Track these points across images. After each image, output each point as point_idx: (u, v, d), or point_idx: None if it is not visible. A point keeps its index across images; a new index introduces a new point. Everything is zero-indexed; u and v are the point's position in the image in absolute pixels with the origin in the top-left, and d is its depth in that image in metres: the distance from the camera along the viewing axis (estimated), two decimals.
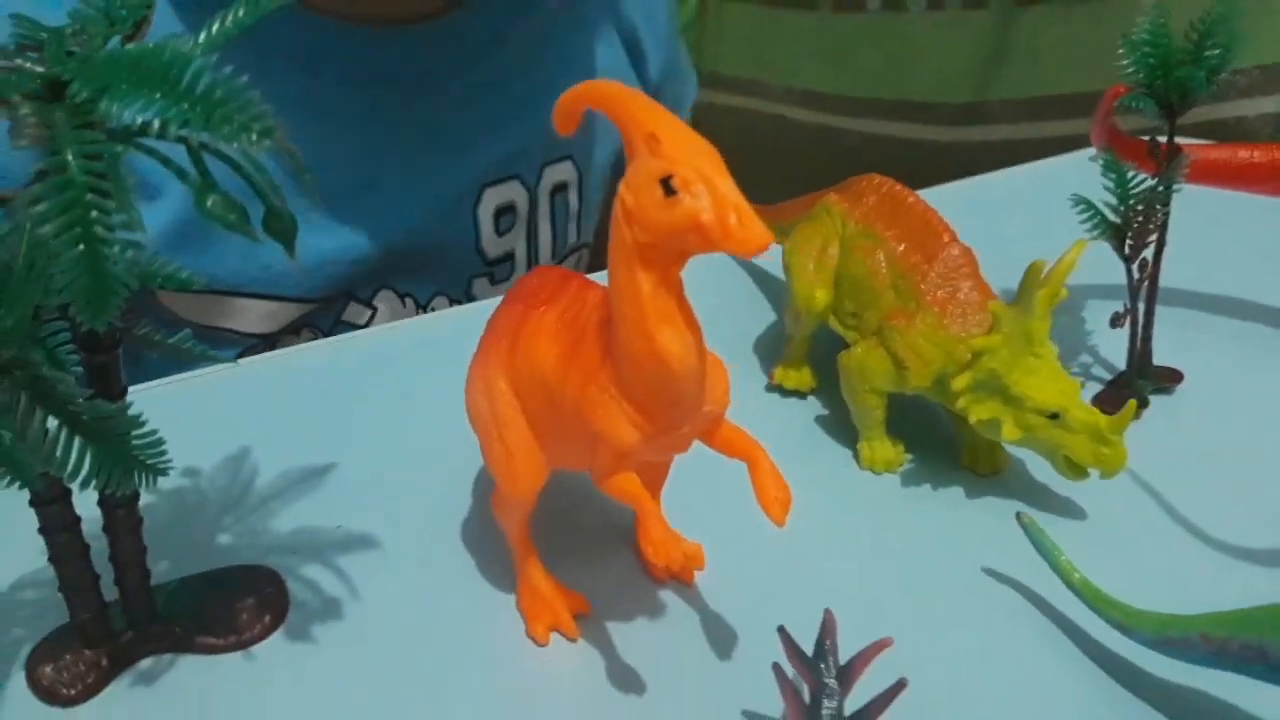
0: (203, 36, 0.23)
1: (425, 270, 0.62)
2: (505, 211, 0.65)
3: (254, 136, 0.20)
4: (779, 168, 1.06)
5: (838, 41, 0.99)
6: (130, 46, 0.22)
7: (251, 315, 0.58)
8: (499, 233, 0.65)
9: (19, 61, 0.22)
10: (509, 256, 0.67)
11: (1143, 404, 0.45)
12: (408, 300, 0.63)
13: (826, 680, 0.29)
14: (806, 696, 0.29)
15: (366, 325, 0.62)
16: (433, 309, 0.64)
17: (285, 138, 0.21)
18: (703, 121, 1.16)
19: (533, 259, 0.68)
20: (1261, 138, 0.72)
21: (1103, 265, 0.44)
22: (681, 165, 0.25)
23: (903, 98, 0.95)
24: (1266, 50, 0.72)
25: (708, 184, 0.24)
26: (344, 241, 0.59)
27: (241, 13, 0.23)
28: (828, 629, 0.30)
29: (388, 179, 0.60)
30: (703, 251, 0.25)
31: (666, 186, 0.25)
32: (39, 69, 0.22)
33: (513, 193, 0.65)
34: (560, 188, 0.68)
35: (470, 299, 0.66)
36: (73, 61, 0.22)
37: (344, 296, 0.60)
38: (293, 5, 0.54)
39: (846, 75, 0.99)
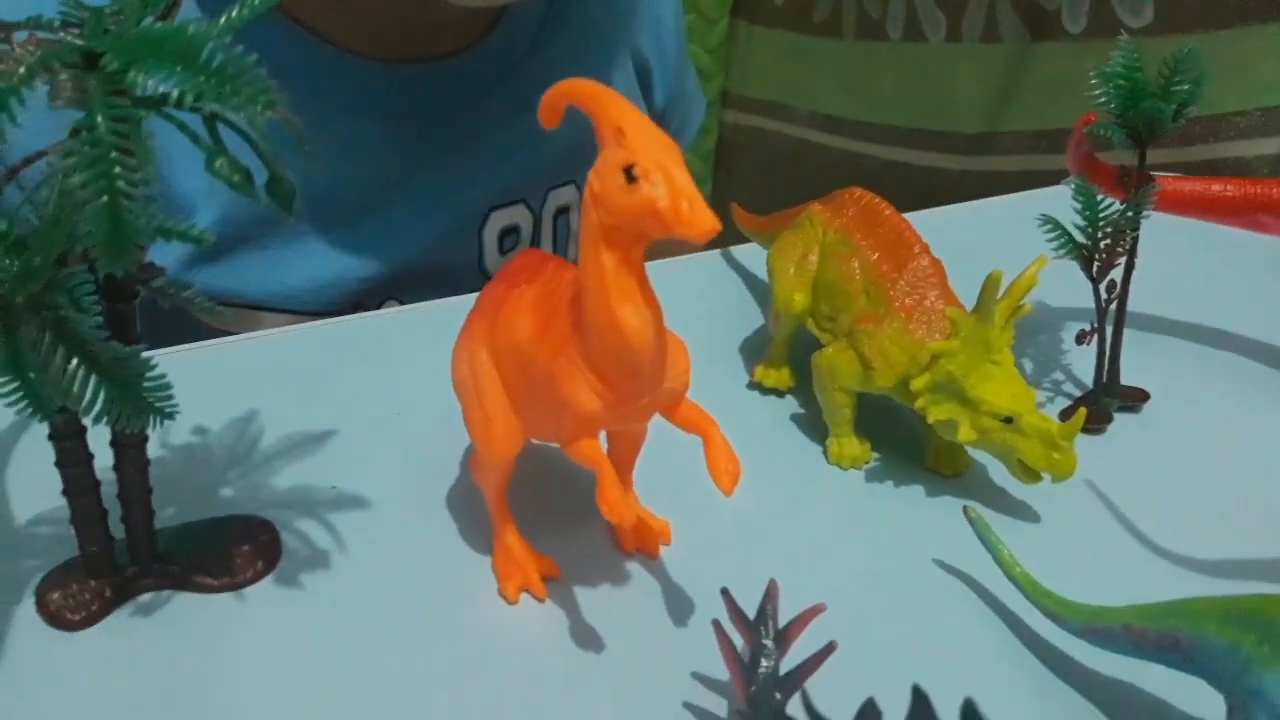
0: (223, 20, 0.26)
1: (430, 285, 0.65)
2: (509, 233, 0.68)
3: (259, 107, 0.23)
4: (801, 188, 1.08)
5: (860, 69, 1.02)
6: (157, 25, 0.25)
7: (268, 327, 0.61)
8: (502, 252, 0.69)
9: (62, 35, 0.25)
10: None
11: (1107, 420, 0.47)
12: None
13: (764, 641, 0.31)
14: (746, 656, 0.31)
15: None
16: None
17: (286, 110, 0.23)
18: (730, 142, 1.19)
19: None
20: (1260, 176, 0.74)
21: (1081, 285, 0.46)
22: (643, 156, 0.27)
23: (920, 125, 0.97)
24: (1268, 93, 0.74)
25: (665, 174, 0.27)
26: (356, 260, 0.62)
27: (257, 1, 0.26)
28: (770, 595, 0.32)
29: (399, 204, 0.63)
30: (659, 235, 0.28)
31: (629, 174, 0.27)
32: (78, 43, 0.25)
33: (517, 215, 0.68)
34: (563, 210, 0.71)
35: None
36: (108, 37, 0.25)
37: (353, 308, 0.64)
38: (316, 43, 0.56)
39: (867, 102, 1.02)
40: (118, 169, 0.24)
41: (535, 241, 0.70)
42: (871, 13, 0.98)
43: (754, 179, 1.16)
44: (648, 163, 0.27)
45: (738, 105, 1.16)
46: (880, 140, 1.01)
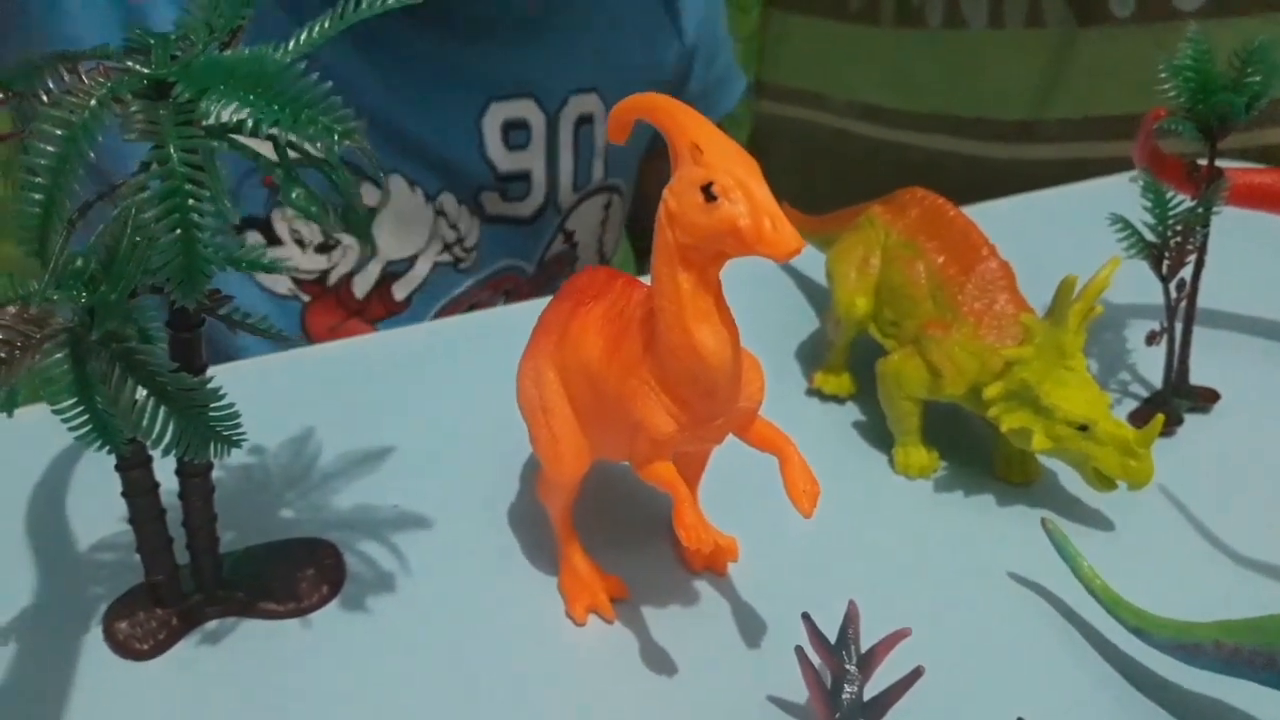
0: (292, 44, 0.25)
1: (432, 165, 0.65)
2: (516, 127, 0.67)
3: (336, 136, 0.22)
4: (839, 180, 1.07)
5: (899, 56, 1.00)
6: (228, 53, 0.25)
7: None
8: (509, 147, 0.67)
9: (128, 63, 0.25)
10: (524, 175, 0.69)
11: (1178, 421, 0.46)
12: (417, 189, 0.66)
13: (848, 667, 0.30)
14: (828, 681, 0.31)
15: (378, 208, 0.64)
16: (440, 204, 0.67)
17: (365, 139, 0.23)
18: (764, 133, 1.18)
19: (553, 186, 0.70)
20: None
21: (1146, 283, 0.45)
22: (721, 173, 0.26)
23: (962, 114, 0.95)
24: None
25: (745, 191, 0.26)
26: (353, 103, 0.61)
27: (327, 24, 0.25)
28: (851, 619, 0.31)
29: (390, 79, 0.62)
30: (739, 254, 0.27)
31: (707, 193, 0.26)
32: (145, 70, 0.25)
33: (525, 110, 0.67)
34: (586, 119, 0.70)
35: (479, 208, 0.68)
36: (176, 65, 0.24)
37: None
38: None
39: (907, 90, 1.00)
40: (191, 201, 0.23)
41: (551, 145, 0.69)
42: None
43: (790, 170, 1.14)
44: (727, 180, 0.26)
45: (772, 95, 1.15)
46: (921, 129, 0.99)
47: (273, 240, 0.64)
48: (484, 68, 0.65)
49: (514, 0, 0.66)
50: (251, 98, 0.23)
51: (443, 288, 0.70)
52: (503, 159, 0.68)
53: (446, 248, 0.68)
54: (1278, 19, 0.70)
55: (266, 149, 0.26)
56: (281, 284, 0.66)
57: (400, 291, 0.69)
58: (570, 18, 0.68)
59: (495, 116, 0.67)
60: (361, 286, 0.67)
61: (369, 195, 0.63)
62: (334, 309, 0.67)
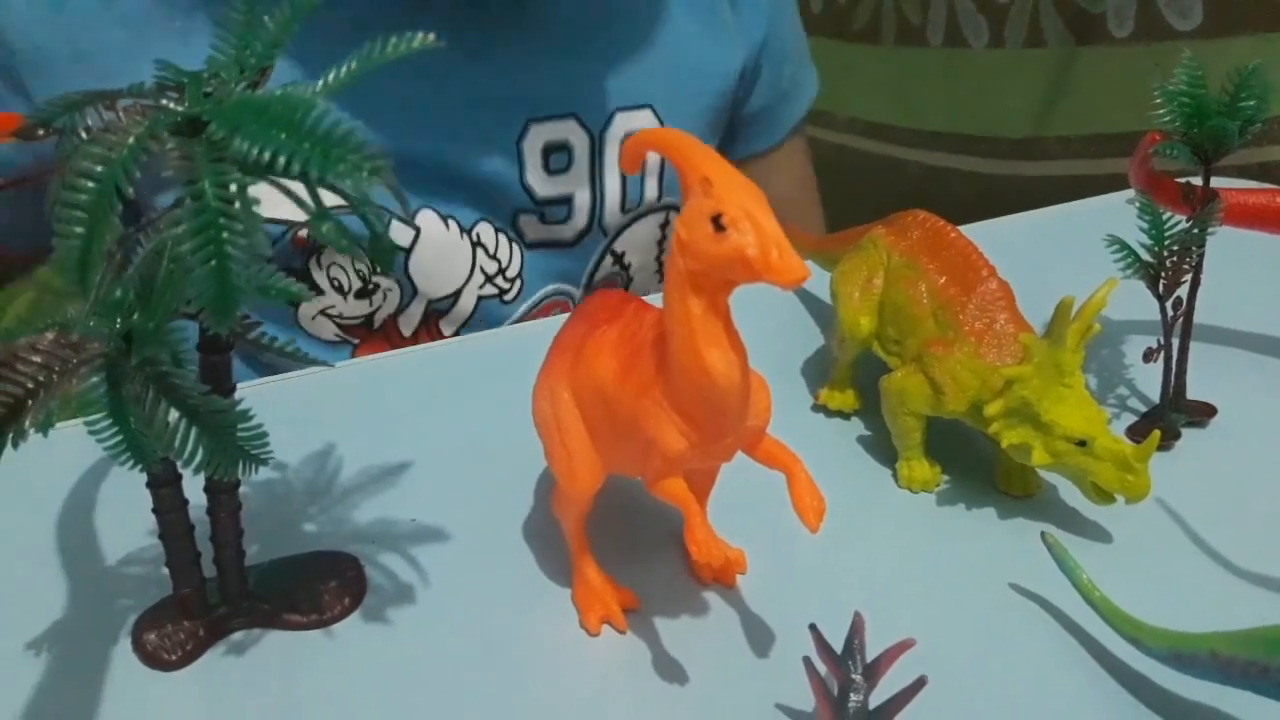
0: (320, 85, 0.27)
1: (467, 194, 0.63)
2: (556, 150, 0.65)
3: (365, 174, 0.23)
4: (841, 195, 1.08)
5: (901, 75, 1.01)
6: (260, 92, 0.26)
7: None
8: (549, 171, 0.65)
9: (163, 101, 0.26)
10: (565, 200, 0.66)
11: (1175, 436, 0.47)
12: (450, 223, 0.63)
13: (853, 676, 0.31)
14: (835, 690, 0.32)
15: (410, 248, 0.61)
16: (476, 235, 0.64)
17: (394, 178, 0.24)
18: None
19: (597, 208, 0.67)
20: None
21: (1143, 301, 0.46)
22: (730, 205, 0.28)
23: (962, 131, 0.97)
24: None
25: (753, 222, 0.27)
26: (380, 136, 0.59)
27: (355, 64, 0.27)
28: (857, 629, 0.32)
29: (427, 96, 0.60)
30: (747, 281, 0.28)
31: (716, 223, 0.28)
32: (179, 108, 0.26)
33: (566, 132, 0.65)
34: None
35: (517, 233, 0.66)
36: (209, 102, 0.26)
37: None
38: None
39: (908, 108, 1.02)
40: (225, 234, 0.24)
41: (595, 165, 0.66)
42: (912, 19, 0.98)
43: None
44: (735, 211, 0.27)
45: None
46: (922, 146, 1.01)
47: (313, 290, 0.61)
48: (523, 85, 0.63)
49: (556, 9, 0.63)
50: (283, 136, 0.24)
51: (490, 321, 0.67)
52: (542, 184, 0.65)
53: (488, 279, 0.65)
54: (1272, 39, 0.72)
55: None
56: (328, 330, 0.63)
57: (448, 328, 0.66)
58: (619, 23, 0.65)
59: (535, 140, 0.64)
60: (407, 326, 0.65)
61: (403, 235, 0.61)
62: (384, 349, 0.64)
